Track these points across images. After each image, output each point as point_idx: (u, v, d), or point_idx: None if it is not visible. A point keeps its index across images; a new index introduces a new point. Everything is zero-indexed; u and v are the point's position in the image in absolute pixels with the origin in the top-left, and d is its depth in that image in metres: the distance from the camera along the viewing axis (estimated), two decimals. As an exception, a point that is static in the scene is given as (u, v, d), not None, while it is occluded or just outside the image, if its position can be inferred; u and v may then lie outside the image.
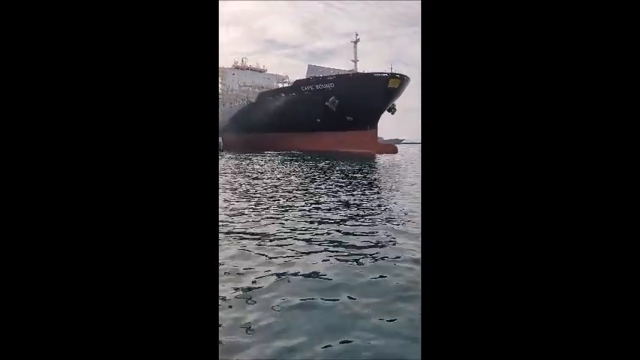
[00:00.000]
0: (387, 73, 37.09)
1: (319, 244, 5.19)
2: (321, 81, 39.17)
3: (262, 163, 22.51)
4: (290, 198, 9.36)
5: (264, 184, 12.06)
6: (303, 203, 8.58)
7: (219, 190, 9.52)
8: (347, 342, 2.71)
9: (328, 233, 5.81)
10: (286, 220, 6.76)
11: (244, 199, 9.06)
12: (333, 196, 9.54)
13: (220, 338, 2.66)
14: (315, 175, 15.03)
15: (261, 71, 62.19)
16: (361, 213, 7.45)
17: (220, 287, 3.56)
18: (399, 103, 40.72)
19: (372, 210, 7.82)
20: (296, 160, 24.50)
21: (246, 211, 7.52)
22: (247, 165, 20.67)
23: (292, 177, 14.51)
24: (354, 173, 16.01)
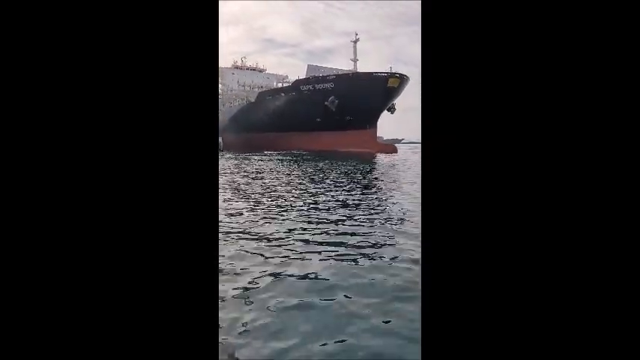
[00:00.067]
0: (387, 73, 37.10)
1: (318, 244, 5.19)
2: (321, 80, 39.17)
3: (262, 162, 22.50)
4: (289, 198, 9.36)
5: (263, 184, 12.06)
6: (301, 203, 8.57)
7: (219, 190, 9.51)
8: (346, 342, 2.71)
9: (327, 233, 5.81)
10: (285, 220, 6.76)
11: (243, 199, 9.06)
12: (332, 196, 9.54)
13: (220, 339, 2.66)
14: (314, 175, 15.03)
15: (260, 71, 62.21)
16: (360, 213, 7.45)
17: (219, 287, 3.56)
18: (398, 102, 40.77)
19: (371, 210, 7.82)
20: (295, 160, 24.50)
21: (244, 211, 7.52)
22: (247, 165, 20.66)
23: (291, 177, 14.51)
24: (353, 173, 16.01)
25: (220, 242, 5.11)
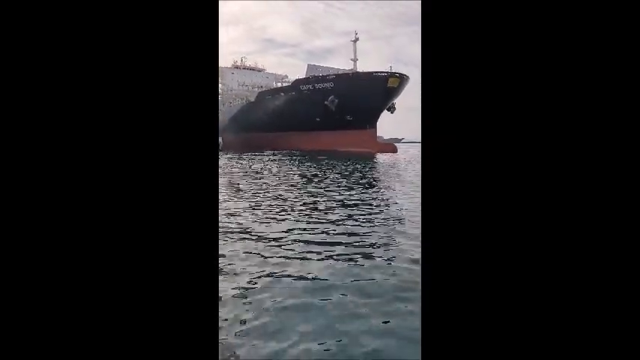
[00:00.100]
0: (387, 73, 37.09)
1: (317, 245, 5.19)
2: (321, 80, 39.16)
3: (261, 162, 22.50)
4: (288, 198, 9.35)
5: (262, 184, 12.06)
6: (301, 203, 8.57)
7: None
8: (345, 342, 2.71)
9: (326, 233, 5.81)
10: (284, 219, 6.76)
11: (242, 199, 9.06)
12: (332, 196, 9.54)
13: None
14: (313, 175, 15.02)
15: (260, 70, 62.17)
16: (360, 212, 7.45)
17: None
18: (398, 102, 40.77)
19: (371, 209, 7.82)
20: (295, 160, 24.49)
21: (244, 211, 7.51)
22: (246, 165, 20.66)
23: (291, 176, 14.50)
24: (353, 173, 16.01)
25: (219, 242, 5.11)
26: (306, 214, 7.24)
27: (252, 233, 5.76)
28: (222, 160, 23.32)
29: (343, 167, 18.50)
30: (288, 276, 4.01)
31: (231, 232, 5.78)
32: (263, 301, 3.37)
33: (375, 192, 10.58)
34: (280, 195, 9.75)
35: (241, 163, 21.09)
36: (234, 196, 9.44)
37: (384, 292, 3.57)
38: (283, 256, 4.64)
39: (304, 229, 6.03)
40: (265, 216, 7.06)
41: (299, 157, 26.89)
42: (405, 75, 38.23)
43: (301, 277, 3.97)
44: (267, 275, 4.00)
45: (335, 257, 4.63)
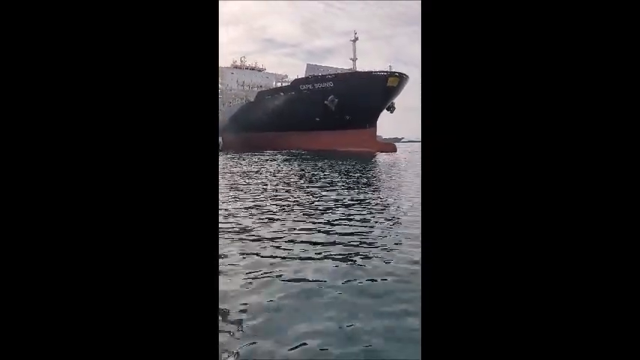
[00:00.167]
0: (386, 72, 37.08)
1: (316, 244, 5.19)
2: (320, 80, 39.13)
3: (261, 162, 22.49)
4: (287, 198, 9.35)
5: (262, 184, 12.05)
6: (300, 203, 8.57)
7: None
8: (345, 342, 2.71)
9: (325, 233, 5.81)
10: (283, 220, 6.75)
11: (241, 199, 9.06)
12: (331, 196, 9.53)
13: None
14: (313, 174, 15.02)
15: (260, 70, 62.14)
16: (359, 212, 7.44)
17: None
18: (397, 101, 40.75)
19: (370, 209, 7.82)
20: (295, 159, 24.48)
21: (243, 211, 7.51)
22: (246, 165, 20.64)
23: (290, 176, 14.50)
24: (352, 172, 16.00)
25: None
26: (305, 215, 7.23)
27: (250, 233, 5.76)
28: (222, 160, 23.31)
29: (343, 167, 18.49)
30: (288, 275, 4.02)
31: (229, 232, 5.78)
32: (260, 301, 3.36)
33: (375, 191, 10.58)
34: (279, 195, 9.75)
35: (240, 164, 21.07)
36: (235, 197, 9.44)
37: (383, 293, 3.57)
38: (281, 257, 4.64)
39: (303, 229, 6.03)
40: (264, 216, 7.06)
41: (298, 157, 26.86)
42: (405, 74, 38.21)
43: (300, 277, 3.97)
44: (266, 275, 4.00)
45: (334, 257, 4.63)
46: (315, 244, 5.22)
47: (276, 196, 9.60)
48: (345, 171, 16.42)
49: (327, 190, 10.48)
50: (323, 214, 7.28)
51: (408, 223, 6.47)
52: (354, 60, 44.69)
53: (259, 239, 5.42)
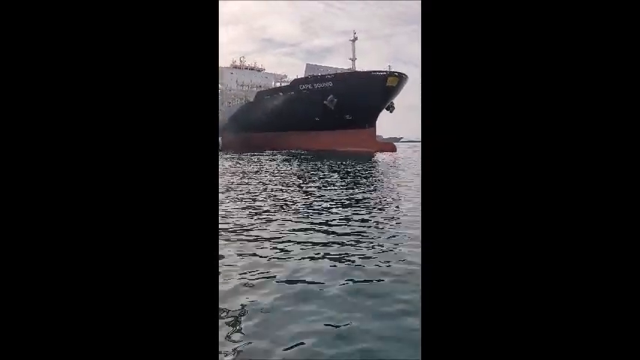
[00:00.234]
0: (386, 72, 37.08)
1: (315, 245, 5.18)
2: (320, 80, 39.12)
3: (260, 162, 22.48)
4: (286, 198, 9.35)
5: (261, 184, 12.05)
6: (299, 203, 8.57)
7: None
8: (344, 343, 2.71)
9: (325, 233, 5.81)
10: (282, 220, 6.75)
11: (240, 200, 9.06)
12: (330, 196, 9.53)
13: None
14: (312, 174, 15.02)
15: (259, 70, 62.13)
16: (359, 212, 7.44)
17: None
18: (397, 101, 40.76)
19: (370, 209, 7.82)
20: (294, 159, 24.48)
21: (242, 211, 7.51)
22: (245, 165, 20.64)
23: (289, 176, 14.50)
24: (352, 172, 16.00)
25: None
26: (304, 214, 7.23)
27: (249, 233, 5.76)
28: (221, 160, 23.30)
29: (343, 167, 18.49)
30: (287, 275, 4.01)
31: (227, 232, 5.78)
32: (259, 301, 3.36)
33: (374, 191, 10.58)
34: (278, 195, 9.75)
35: (239, 164, 21.06)
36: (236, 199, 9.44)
37: (382, 293, 3.57)
38: (279, 257, 4.64)
39: (302, 229, 6.02)
40: (263, 216, 7.06)
41: (297, 157, 26.85)
42: (404, 74, 38.22)
43: (298, 277, 3.97)
44: (264, 275, 4.00)
45: (332, 257, 4.63)
46: (314, 244, 5.22)
47: (274, 196, 9.60)
48: (345, 171, 16.42)
49: (326, 190, 10.48)
50: (321, 214, 7.27)
51: (408, 223, 6.47)
52: (353, 60, 44.71)
53: (257, 239, 5.42)
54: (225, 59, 62.58)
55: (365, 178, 14.02)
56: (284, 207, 8.01)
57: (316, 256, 4.68)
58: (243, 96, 51.34)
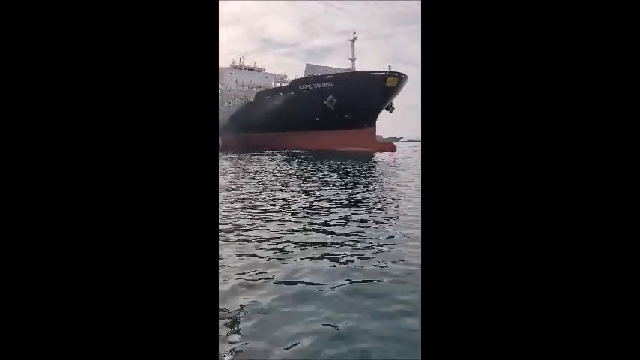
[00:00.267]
0: (385, 72, 37.09)
1: (314, 245, 5.18)
2: (319, 80, 39.11)
3: (260, 162, 22.48)
4: (285, 198, 9.35)
5: (260, 184, 12.05)
6: (298, 203, 8.57)
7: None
8: (344, 343, 2.71)
9: (324, 233, 5.81)
10: (281, 220, 6.75)
11: (240, 200, 9.05)
12: (330, 196, 9.53)
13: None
14: (312, 174, 15.01)
15: (259, 70, 62.10)
16: (358, 212, 7.44)
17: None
18: (396, 101, 40.74)
19: (370, 209, 7.82)
20: (294, 160, 24.48)
21: (241, 212, 7.51)
22: (245, 165, 20.63)
23: (289, 176, 14.49)
24: (351, 172, 15.99)
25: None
26: (304, 214, 7.23)
27: (248, 234, 5.75)
28: (221, 160, 23.30)
29: (342, 167, 18.49)
30: (286, 276, 4.01)
31: (226, 232, 5.78)
32: (258, 302, 3.36)
33: (374, 191, 10.58)
34: (276, 195, 9.74)
35: (239, 164, 21.06)
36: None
37: (382, 293, 3.56)
38: (278, 257, 4.63)
39: (301, 230, 6.02)
40: (261, 216, 7.06)
41: (297, 157, 26.85)
42: (404, 74, 38.21)
43: (297, 277, 3.97)
44: (263, 276, 4.00)
45: (331, 257, 4.62)
46: (313, 244, 5.21)
47: (274, 196, 9.59)
48: (345, 171, 16.41)
49: (326, 190, 10.48)
50: (320, 214, 7.27)
51: (407, 223, 6.47)
52: (352, 60, 44.72)
53: (256, 239, 5.42)
54: (224, 59, 62.59)
55: (365, 178, 14.01)
56: (283, 207, 8.01)
57: (315, 256, 4.67)
58: (243, 96, 51.32)
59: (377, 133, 43.02)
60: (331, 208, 7.87)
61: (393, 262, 4.44)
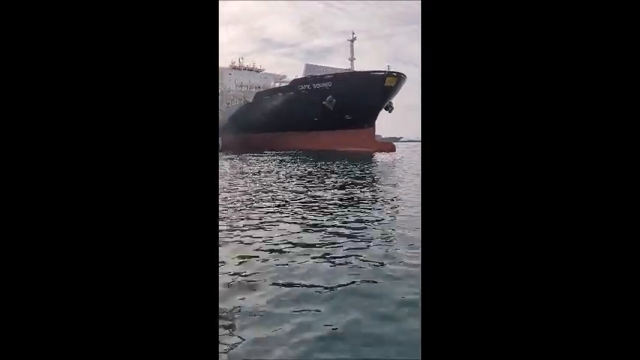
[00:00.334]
0: (384, 72, 37.12)
1: (313, 245, 5.18)
2: (319, 80, 39.14)
3: (259, 163, 22.48)
4: (285, 198, 9.35)
5: (260, 184, 12.05)
6: (297, 203, 8.57)
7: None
8: (343, 344, 2.70)
9: (324, 233, 5.80)
10: (280, 220, 6.74)
11: (239, 200, 9.05)
12: (329, 196, 9.53)
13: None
14: (311, 174, 15.01)
15: (258, 71, 62.11)
16: (357, 212, 7.44)
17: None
18: (396, 101, 40.78)
19: (369, 209, 7.82)
20: (294, 160, 24.48)
21: (241, 212, 7.51)
22: (244, 165, 20.64)
23: (288, 176, 14.49)
24: (351, 172, 16.00)
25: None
26: (303, 214, 7.23)
27: (245, 234, 5.75)
28: (221, 161, 23.29)
29: (342, 167, 18.49)
30: (285, 276, 4.01)
31: (224, 232, 5.78)
32: (257, 302, 3.36)
33: (373, 191, 10.58)
34: (275, 195, 9.74)
35: (238, 165, 21.05)
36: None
37: (381, 294, 3.56)
38: (277, 257, 4.63)
39: (300, 230, 6.02)
40: (260, 216, 7.05)
41: (296, 157, 26.85)
42: (402, 74, 38.25)
43: (298, 277, 3.97)
44: (262, 276, 3.99)
45: (332, 258, 4.62)
46: (312, 244, 5.21)
47: (273, 196, 9.59)
48: (344, 171, 16.41)
49: (325, 190, 10.48)
50: (319, 214, 7.27)
51: (407, 223, 6.47)
52: (351, 60, 44.76)
53: (255, 240, 5.41)
54: (224, 60, 62.56)
55: (364, 178, 14.02)
56: (282, 207, 8.01)
57: (314, 256, 4.67)
58: (242, 97, 51.32)
59: (376, 133, 43.05)
60: (330, 208, 7.87)
61: (393, 262, 4.44)
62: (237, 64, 60.57)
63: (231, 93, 54.63)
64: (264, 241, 5.32)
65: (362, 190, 10.74)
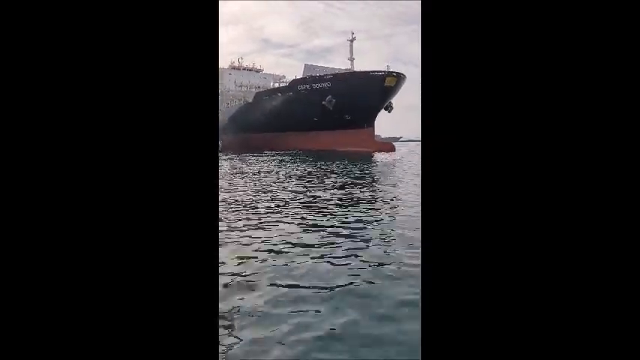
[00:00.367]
0: (384, 72, 37.13)
1: (312, 246, 5.17)
2: (318, 80, 39.13)
3: (259, 163, 22.47)
4: (284, 198, 9.34)
5: (259, 184, 12.05)
6: (296, 203, 8.57)
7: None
8: (343, 344, 2.70)
9: (324, 233, 5.80)
10: (279, 220, 6.74)
11: (239, 201, 9.05)
12: (329, 196, 9.53)
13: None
14: (311, 174, 15.01)
15: (257, 71, 62.09)
16: (357, 212, 7.44)
17: None
18: (395, 101, 40.78)
19: (369, 209, 7.82)
20: (293, 160, 24.48)
21: (240, 212, 7.51)
22: (244, 165, 20.63)
23: (288, 176, 14.49)
24: (351, 172, 16.00)
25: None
26: (303, 214, 7.23)
27: (245, 234, 5.75)
28: (220, 161, 23.28)
29: (342, 167, 18.49)
30: (282, 276, 4.01)
31: (223, 232, 5.77)
32: (256, 302, 3.35)
33: (373, 191, 10.58)
34: (275, 195, 9.74)
35: (238, 165, 21.05)
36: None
37: (381, 294, 3.56)
38: (276, 258, 4.63)
39: (300, 230, 6.02)
40: (260, 216, 7.05)
41: (296, 158, 26.85)
42: (402, 74, 38.25)
43: (297, 277, 3.97)
44: (261, 276, 3.99)
45: (331, 258, 4.62)
46: (311, 244, 5.21)
47: (273, 197, 9.59)
48: (344, 171, 16.41)
49: (325, 191, 10.48)
50: (319, 214, 7.27)
51: (407, 223, 6.47)
52: (351, 60, 44.76)
53: (254, 240, 5.41)
54: (224, 60, 62.54)
55: (364, 178, 14.02)
56: (282, 207, 8.01)
57: (313, 256, 4.67)
58: (242, 97, 51.31)
59: (376, 133, 43.06)
60: (330, 208, 7.87)
61: (393, 262, 4.44)
62: (236, 64, 60.55)
63: (231, 93, 54.61)
64: (263, 242, 5.32)
65: (362, 190, 10.74)
